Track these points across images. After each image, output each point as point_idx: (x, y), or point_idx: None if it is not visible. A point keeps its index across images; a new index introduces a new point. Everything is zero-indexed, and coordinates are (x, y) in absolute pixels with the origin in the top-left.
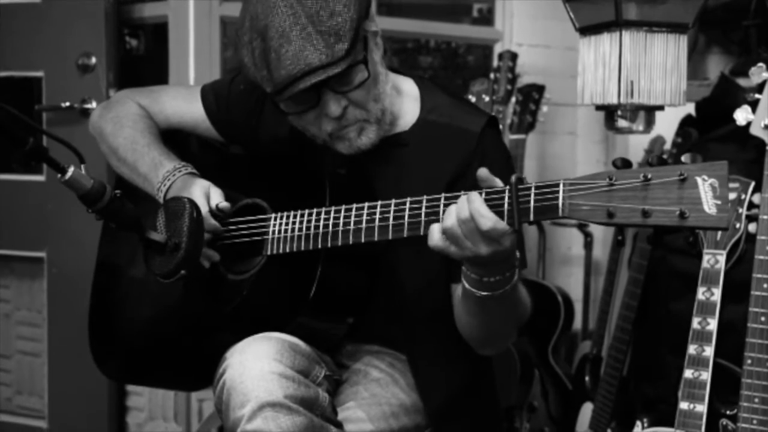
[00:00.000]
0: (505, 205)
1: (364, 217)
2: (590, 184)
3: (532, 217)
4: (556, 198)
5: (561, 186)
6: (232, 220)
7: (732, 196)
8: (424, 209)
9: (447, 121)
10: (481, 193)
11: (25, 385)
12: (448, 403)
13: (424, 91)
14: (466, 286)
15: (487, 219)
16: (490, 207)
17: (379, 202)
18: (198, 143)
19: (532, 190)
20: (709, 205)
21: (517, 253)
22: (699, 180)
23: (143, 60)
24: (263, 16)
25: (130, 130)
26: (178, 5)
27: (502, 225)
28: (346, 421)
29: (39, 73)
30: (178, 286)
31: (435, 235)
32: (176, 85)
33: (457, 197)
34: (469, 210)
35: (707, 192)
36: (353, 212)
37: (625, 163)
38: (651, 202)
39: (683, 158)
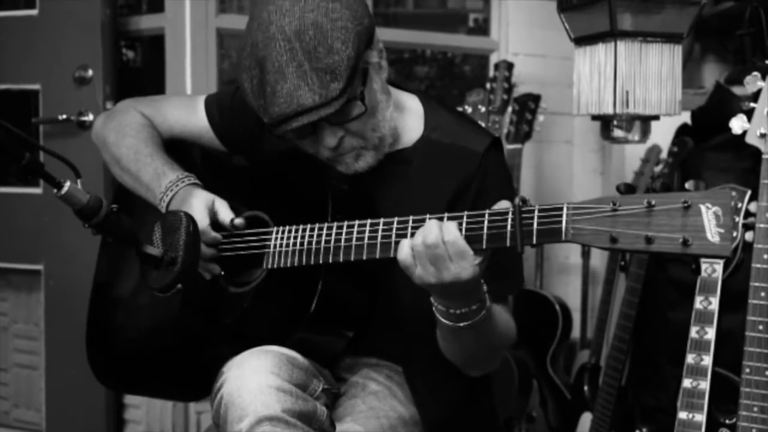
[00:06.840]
0: (508, 227)
1: (366, 234)
2: (594, 209)
3: (535, 240)
4: (560, 222)
5: (564, 210)
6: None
7: None
8: None
9: (450, 140)
10: (483, 215)
11: (22, 399)
12: (445, 415)
13: (428, 108)
14: (437, 315)
15: (454, 235)
16: (493, 229)
17: (382, 220)
18: (201, 153)
19: (536, 213)
20: (713, 233)
21: (484, 287)
22: (703, 208)
23: (140, 72)
24: (262, 46)
25: (132, 140)
26: (175, 17)
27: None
28: None
29: (36, 86)
30: (177, 298)
31: (404, 250)
32: (179, 94)
33: (461, 217)
34: (440, 231)
35: (711, 220)
36: (355, 228)
37: (628, 188)
38: (654, 229)
39: (687, 185)
